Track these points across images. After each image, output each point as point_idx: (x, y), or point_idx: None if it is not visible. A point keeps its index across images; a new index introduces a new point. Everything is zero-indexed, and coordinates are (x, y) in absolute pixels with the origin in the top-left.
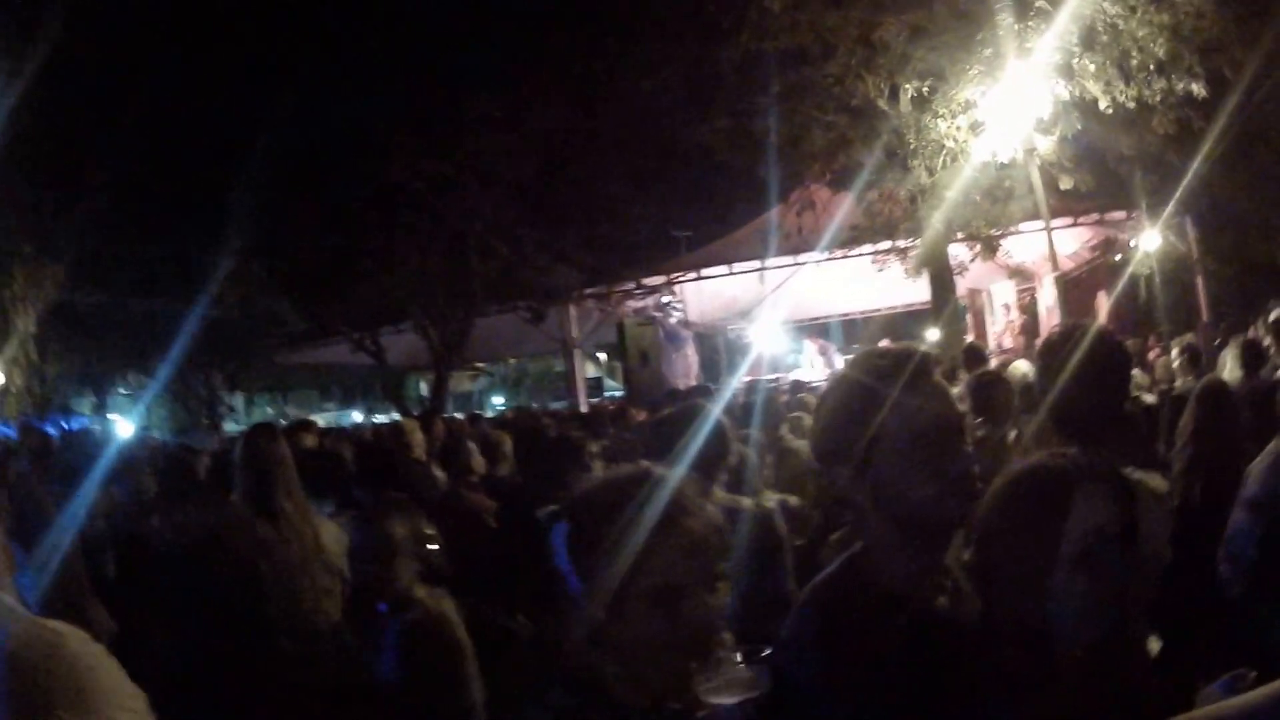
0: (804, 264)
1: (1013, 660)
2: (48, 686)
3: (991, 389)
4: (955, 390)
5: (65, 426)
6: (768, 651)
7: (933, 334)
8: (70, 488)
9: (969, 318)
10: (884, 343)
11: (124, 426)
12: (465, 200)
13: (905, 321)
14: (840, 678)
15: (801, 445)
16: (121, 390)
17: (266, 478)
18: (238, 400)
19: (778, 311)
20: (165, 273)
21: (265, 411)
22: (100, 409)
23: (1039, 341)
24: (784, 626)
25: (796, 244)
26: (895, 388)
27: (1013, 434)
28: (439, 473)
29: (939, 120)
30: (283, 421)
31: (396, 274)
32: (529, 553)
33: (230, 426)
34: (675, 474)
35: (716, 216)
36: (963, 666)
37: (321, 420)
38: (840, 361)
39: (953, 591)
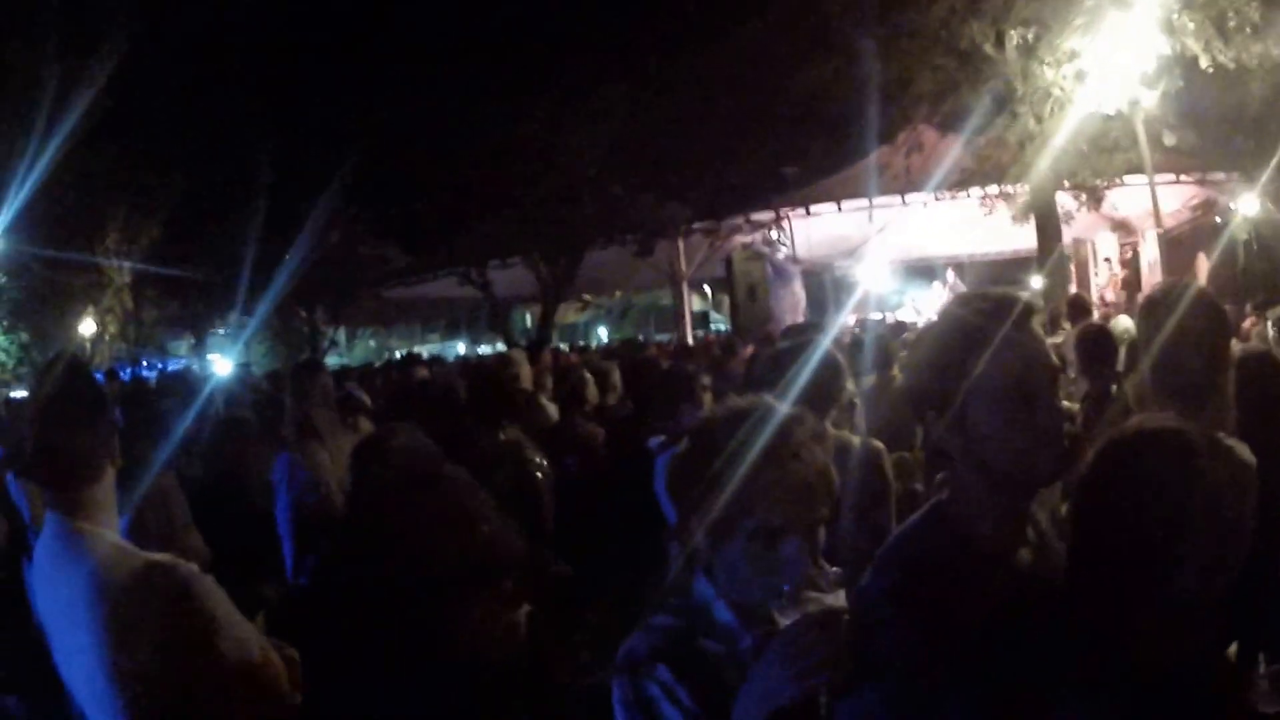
0: (911, 204)
1: (1109, 616)
2: (161, 618)
3: (1097, 341)
4: (1057, 340)
5: (162, 368)
6: (835, 571)
7: (1036, 282)
8: (167, 429)
9: (1072, 268)
10: (949, 296)
11: (222, 365)
12: (577, 145)
13: (1010, 268)
14: (916, 625)
15: None
16: (220, 330)
17: (305, 403)
18: (340, 334)
19: (884, 251)
20: (271, 219)
21: (368, 344)
22: (198, 348)
23: (1140, 297)
24: (868, 571)
25: (904, 184)
26: (993, 333)
27: (1113, 388)
28: (547, 403)
29: (1045, 68)
30: (388, 355)
31: (507, 218)
32: (635, 480)
33: (332, 360)
34: (792, 412)
35: (825, 156)
36: (1039, 620)
37: (425, 352)
38: None
39: (1037, 546)
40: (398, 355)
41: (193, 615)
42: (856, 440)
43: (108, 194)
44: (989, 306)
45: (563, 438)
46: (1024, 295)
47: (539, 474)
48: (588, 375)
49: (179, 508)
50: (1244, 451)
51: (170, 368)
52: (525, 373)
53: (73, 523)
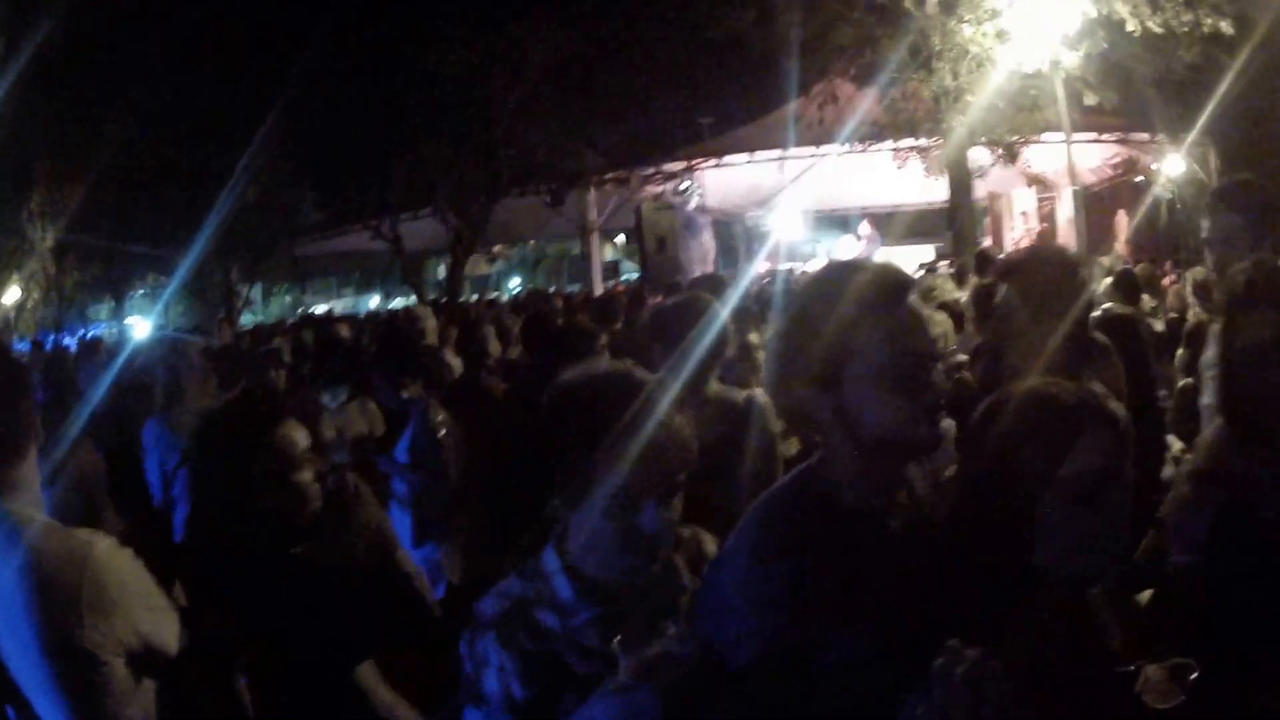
0: (825, 155)
1: (986, 580)
2: (78, 593)
3: (995, 297)
4: (962, 295)
5: (83, 334)
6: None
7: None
8: (84, 397)
9: (988, 221)
10: (862, 245)
11: (141, 327)
12: (494, 89)
13: (924, 219)
14: (774, 594)
15: None
16: (139, 291)
17: (176, 370)
18: (256, 292)
19: (797, 201)
20: (186, 168)
21: (284, 301)
22: (118, 312)
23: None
24: (730, 534)
25: (818, 135)
26: (869, 307)
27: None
28: (452, 358)
29: (964, 25)
30: (301, 311)
31: (421, 162)
32: (533, 435)
33: (247, 318)
34: (654, 377)
35: (740, 105)
36: (911, 585)
37: (339, 307)
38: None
39: (910, 512)
40: (314, 311)
41: (104, 590)
42: (741, 395)
43: (35, 153)
44: (861, 282)
45: (464, 393)
46: (901, 271)
47: (442, 431)
48: (490, 329)
49: (99, 481)
50: (1121, 411)
51: (91, 333)
52: (431, 327)
53: (1, 504)
